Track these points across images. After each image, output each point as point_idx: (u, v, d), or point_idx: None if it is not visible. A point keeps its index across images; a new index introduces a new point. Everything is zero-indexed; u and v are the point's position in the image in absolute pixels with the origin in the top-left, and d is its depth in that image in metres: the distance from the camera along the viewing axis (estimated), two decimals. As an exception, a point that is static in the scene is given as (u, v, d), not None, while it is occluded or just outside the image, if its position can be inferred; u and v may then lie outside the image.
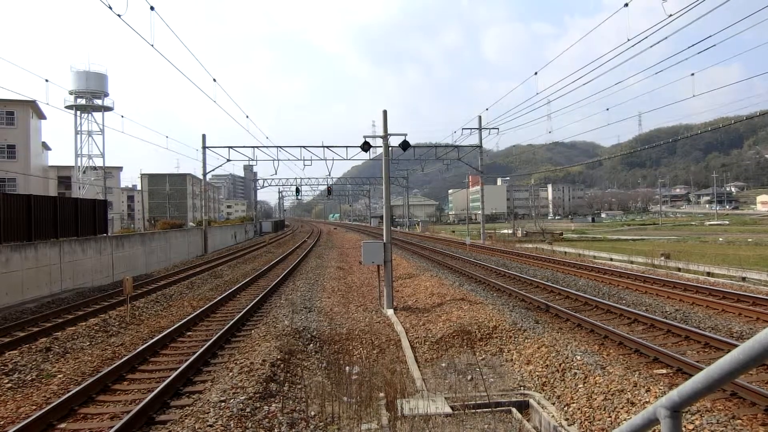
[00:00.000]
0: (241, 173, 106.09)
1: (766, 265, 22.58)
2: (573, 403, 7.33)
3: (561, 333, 10.70)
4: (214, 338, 10.54)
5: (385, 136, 15.47)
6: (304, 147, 40.80)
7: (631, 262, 25.43)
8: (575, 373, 8.06)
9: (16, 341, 10.67)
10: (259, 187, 71.68)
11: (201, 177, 41.54)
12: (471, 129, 41.95)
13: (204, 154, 39.83)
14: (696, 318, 11.87)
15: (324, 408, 7.12)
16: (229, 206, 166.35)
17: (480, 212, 46.71)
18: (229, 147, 39.96)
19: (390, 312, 14.02)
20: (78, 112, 59.89)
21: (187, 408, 6.99)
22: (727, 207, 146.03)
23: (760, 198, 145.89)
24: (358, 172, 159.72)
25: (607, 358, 8.93)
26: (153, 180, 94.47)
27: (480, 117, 42.43)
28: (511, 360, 9.83)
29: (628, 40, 16.97)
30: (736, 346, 2.02)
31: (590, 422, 6.68)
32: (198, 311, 13.87)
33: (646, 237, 57.05)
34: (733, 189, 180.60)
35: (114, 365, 8.88)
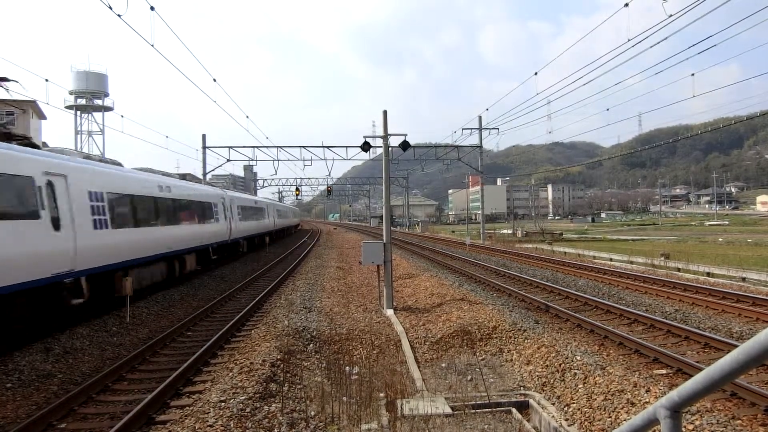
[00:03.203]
0: (241, 173, 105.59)
1: (766, 265, 22.58)
2: (573, 403, 7.33)
3: (561, 333, 10.70)
4: (215, 338, 10.56)
5: (385, 137, 15.46)
6: (304, 147, 40.83)
7: (631, 263, 25.42)
8: (575, 374, 8.06)
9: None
10: (259, 187, 71.55)
11: (201, 177, 41.53)
12: (471, 129, 42.00)
13: (204, 154, 39.81)
14: (696, 318, 11.88)
15: (324, 408, 7.12)
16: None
17: (480, 212, 46.73)
18: (229, 147, 39.98)
19: (390, 312, 14.01)
20: (78, 112, 59.91)
21: (187, 408, 6.99)
22: (727, 207, 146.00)
23: (759, 198, 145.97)
24: (358, 172, 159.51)
25: (607, 358, 8.93)
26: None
27: (480, 117, 42.51)
28: (511, 360, 9.83)
29: (629, 40, 16.97)
30: (736, 346, 2.02)
31: (590, 422, 6.69)
32: (198, 311, 13.88)
33: (645, 237, 57.06)
34: (733, 189, 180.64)
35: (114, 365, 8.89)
